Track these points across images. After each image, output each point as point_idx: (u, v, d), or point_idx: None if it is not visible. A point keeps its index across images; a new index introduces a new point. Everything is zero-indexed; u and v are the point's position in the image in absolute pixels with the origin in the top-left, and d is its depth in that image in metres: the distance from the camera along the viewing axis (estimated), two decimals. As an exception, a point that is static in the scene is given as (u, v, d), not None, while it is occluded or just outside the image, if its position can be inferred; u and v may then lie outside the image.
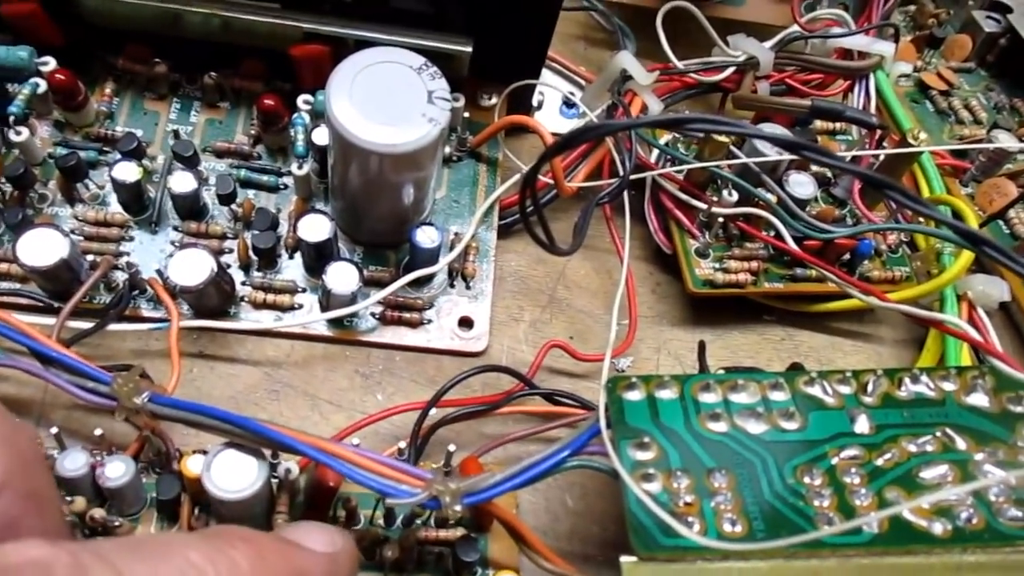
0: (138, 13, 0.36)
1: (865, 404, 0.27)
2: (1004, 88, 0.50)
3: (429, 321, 0.36)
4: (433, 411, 0.32)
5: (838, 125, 0.44)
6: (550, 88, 0.44)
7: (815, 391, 0.28)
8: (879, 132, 0.41)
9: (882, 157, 0.40)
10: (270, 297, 0.35)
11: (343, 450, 0.25)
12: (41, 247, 0.31)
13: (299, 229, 0.34)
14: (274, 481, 0.29)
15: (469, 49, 0.37)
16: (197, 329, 0.34)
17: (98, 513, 0.28)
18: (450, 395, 0.33)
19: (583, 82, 0.46)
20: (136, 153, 0.35)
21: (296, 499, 0.29)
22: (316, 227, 0.34)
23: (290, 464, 0.29)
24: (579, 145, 0.38)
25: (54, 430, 0.29)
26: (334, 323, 0.35)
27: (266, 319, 0.35)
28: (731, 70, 0.42)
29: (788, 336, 0.40)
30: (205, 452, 0.27)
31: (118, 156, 0.35)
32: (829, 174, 0.41)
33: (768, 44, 0.43)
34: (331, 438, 0.31)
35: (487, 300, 0.37)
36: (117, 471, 0.27)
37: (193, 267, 0.32)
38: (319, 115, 0.37)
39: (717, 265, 0.38)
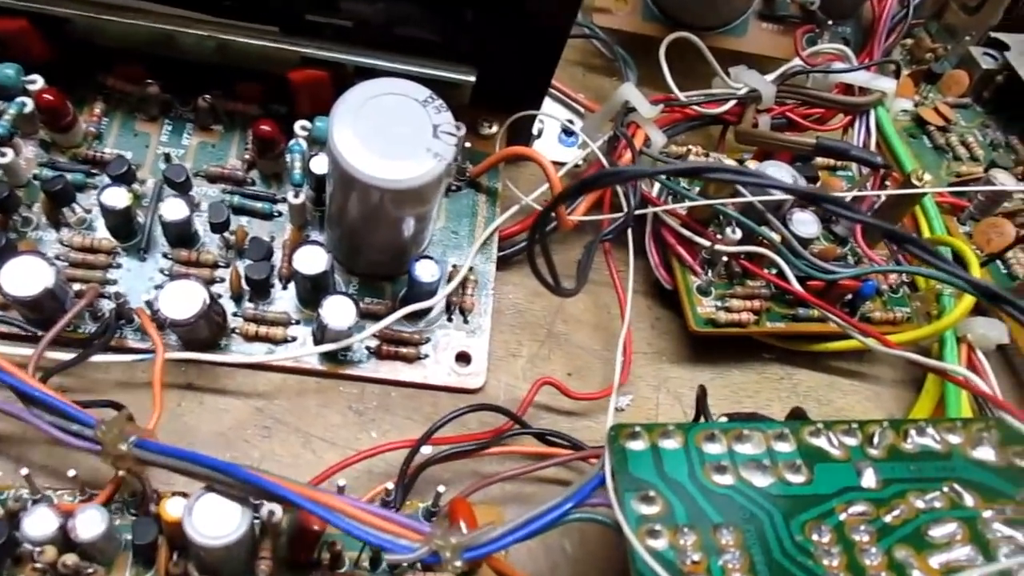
0: (131, 32, 0.35)
1: (871, 457, 0.27)
2: (1000, 125, 0.50)
3: (426, 356, 0.35)
4: (426, 449, 0.31)
5: (839, 162, 0.44)
6: (549, 116, 0.44)
7: (821, 442, 0.27)
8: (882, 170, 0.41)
9: (883, 197, 0.40)
10: (262, 329, 0.34)
11: (341, 503, 0.24)
12: (25, 276, 0.30)
13: (295, 261, 0.33)
14: (256, 522, 0.28)
15: (473, 78, 0.36)
16: (185, 361, 0.33)
17: (71, 559, 0.26)
18: (444, 432, 0.32)
19: (582, 109, 0.46)
20: (126, 177, 0.34)
21: (279, 540, 0.28)
22: (313, 259, 0.33)
23: (273, 506, 0.28)
24: (596, 190, 0.37)
25: (24, 471, 0.27)
26: (328, 357, 0.34)
27: (258, 351, 0.34)
28: (733, 103, 0.42)
29: (787, 375, 0.39)
30: (184, 495, 0.26)
31: (107, 180, 0.34)
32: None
33: (770, 77, 0.42)
34: (317, 476, 0.30)
35: (485, 335, 0.36)
36: (92, 525, 0.26)
37: (185, 299, 0.31)
38: (316, 142, 0.36)
39: (719, 303, 0.37)
